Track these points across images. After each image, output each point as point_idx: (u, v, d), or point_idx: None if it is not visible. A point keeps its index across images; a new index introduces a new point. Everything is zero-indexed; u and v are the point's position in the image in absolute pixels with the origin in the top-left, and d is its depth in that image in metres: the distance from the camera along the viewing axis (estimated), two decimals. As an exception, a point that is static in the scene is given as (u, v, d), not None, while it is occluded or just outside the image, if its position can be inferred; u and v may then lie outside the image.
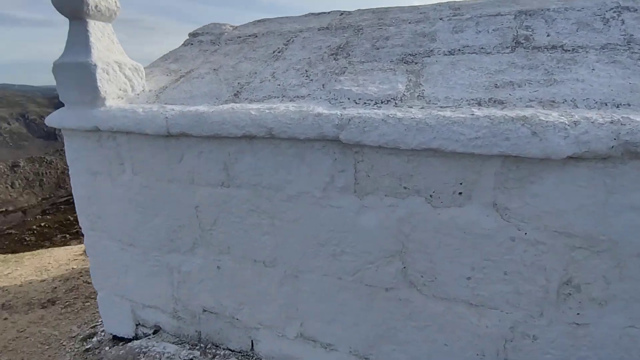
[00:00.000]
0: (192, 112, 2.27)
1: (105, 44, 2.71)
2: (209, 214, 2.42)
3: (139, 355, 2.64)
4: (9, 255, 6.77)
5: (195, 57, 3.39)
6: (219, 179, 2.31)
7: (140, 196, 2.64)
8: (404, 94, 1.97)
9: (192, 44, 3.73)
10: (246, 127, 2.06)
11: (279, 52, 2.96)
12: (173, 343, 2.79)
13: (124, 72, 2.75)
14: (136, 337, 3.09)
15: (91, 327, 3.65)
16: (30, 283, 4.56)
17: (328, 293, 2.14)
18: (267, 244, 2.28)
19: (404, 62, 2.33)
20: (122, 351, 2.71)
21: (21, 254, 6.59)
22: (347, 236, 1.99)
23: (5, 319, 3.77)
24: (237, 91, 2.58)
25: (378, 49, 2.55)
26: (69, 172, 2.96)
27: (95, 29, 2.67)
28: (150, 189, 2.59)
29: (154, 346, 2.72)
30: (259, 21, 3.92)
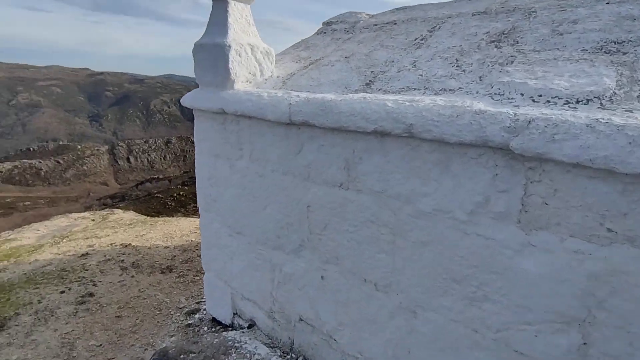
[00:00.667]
0: (317, 99, 1.96)
1: (241, 25, 2.60)
2: (320, 216, 2.10)
3: (230, 349, 2.49)
4: (148, 217, 7.62)
5: (326, 45, 3.11)
6: (338, 178, 1.96)
7: (254, 185, 2.47)
8: (615, 92, 1.33)
9: (324, 32, 3.48)
10: (379, 120, 1.66)
11: (421, 40, 2.48)
12: (265, 344, 2.57)
13: (255, 55, 2.60)
14: (232, 326, 2.98)
15: (196, 302, 3.71)
16: (156, 247, 4.94)
17: (455, 345, 1.62)
18: (383, 265, 1.86)
19: (605, 52, 1.65)
20: (216, 340, 2.60)
21: (156, 218, 7.35)
22: (497, 279, 1.45)
23: (132, 276, 4.09)
24: (370, 80, 2.19)
25: (562, 34, 1.89)
26: (195, 152, 2.96)
27: (235, 9, 2.56)
28: (264, 178, 2.38)
29: (246, 343, 2.54)
30: (398, 9, 3.48)
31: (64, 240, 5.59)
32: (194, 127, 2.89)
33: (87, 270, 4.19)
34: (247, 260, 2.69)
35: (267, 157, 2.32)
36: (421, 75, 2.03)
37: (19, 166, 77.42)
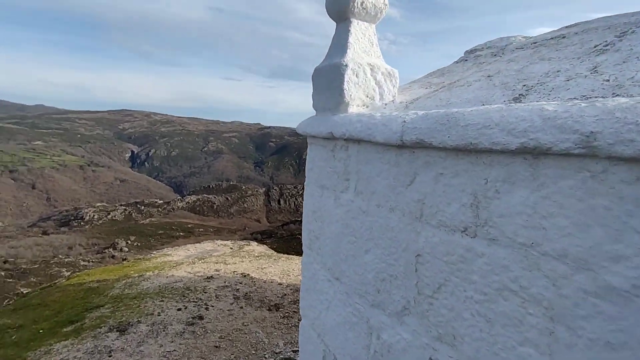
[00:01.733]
0: (438, 113, 1.45)
1: (363, 45, 2.31)
2: (433, 271, 1.50)
3: None
4: (274, 252, 7.80)
5: (466, 69, 2.58)
6: (461, 220, 1.36)
7: (357, 222, 2.02)
8: None
9: (466, 60, 2.95)
10: (530, 131, 1.05)
11: (605, 46, 1.75)
12: None
13: (375, 77, 2.26)
14: (320, 392, 2.45)
15: (293, 350, 3.31)
16: (271, 282, 4.83)
17: None
18: (529, 366, 1.13)
19: None
20: (295, 406, 2.11)
21: (280, 254, 7.44)
22: None
23: (241, 307, 3.99)
24: (520, 94, 1.57)
25: None
26: (305, 182, 2.71)
27: (357, 29, 2.30)
28: (368, 215, 1.91)
29: (328, 421, 1.98)
30: (567, 26, 2.72)
31: (200, 262, 6.01)
32: (307, 156, 2.66)
33: (205, 292, 4.26)
34: (342, 315, 2.19)
35: (373, 188, 1.86)
36: (607, 81, 1.33)
37: (200, 199, 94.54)
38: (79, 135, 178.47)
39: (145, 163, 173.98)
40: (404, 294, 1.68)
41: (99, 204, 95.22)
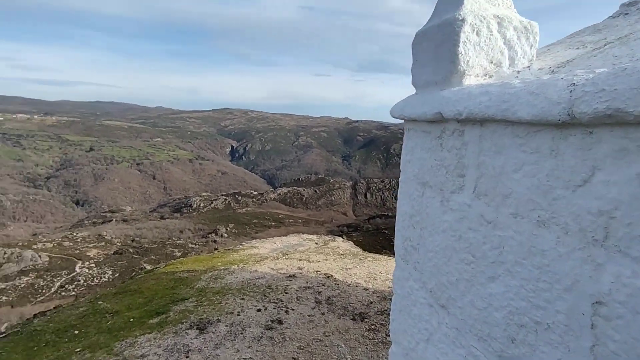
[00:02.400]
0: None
1: (487, -8, 1.68)
2: (629, 335, 0.87)
3: None
4: (361, 251, 7.34)
5: (633, 23, 1.78)
6: None
7: (476, 236, 1.43)
8: None
9: (626, 13, 2.10)
10: None
11: None
12: None
13: (504, 33, 1.62)
14: None
15: (381, 375, 2.82)
16: (356, 286, 4.39)
17: None
18: None
19: None
20: None
21: (367, 253, 6.96)
22: None
23: (323, 314, 3.62)
24: None
25: None
26: (399, 178, 2.18)
27: (478, -29, 1.68)
28: (497, 228, 1.32)
29: None
30: None
31: (284, 257, 5.84)
32: (403, 146, 2.12)
33: (286, 293, 4.01)
34: (451, 356, 1.63)
35: (506, 190, 1.26)
36: None
37: (291, 191, 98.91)
38: (189, 132, 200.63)
39: (243, 157, 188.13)
40: (560, 355, 1.07)
41: (204, 194, 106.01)
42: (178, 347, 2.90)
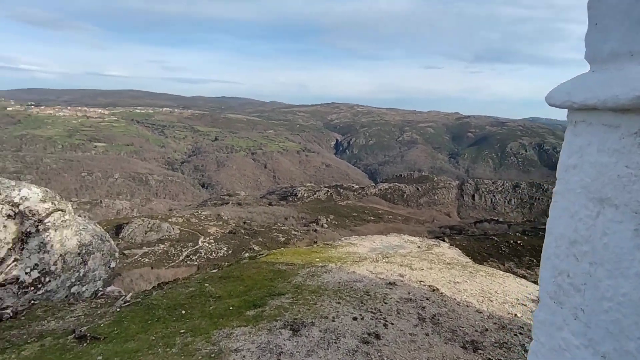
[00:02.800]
0: None
1: None
2: None
3: None
4: (471, 262, 6.51)
5: None
6: None
7: None
8: None
9: None
10: None
11: None
12: None
13: None
14: None
15: None
16: (467, 306, 3.78)
17: None
18: None
19: None
20: None
21: (479, 266, 6.14)
22: None
23: (427, 335, 3.15)
24: None
25: None
26: (554, 189, 1.62)
27: None
28: None
29: None
30: None
31: (384, 260, 5.46)
32: (563, 145, 1.56)
33: (386, 303, 3.64)
34: None
35: None
36: None
37: (392, 187, 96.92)
38: (297, 125, 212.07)
39: (347, 150, 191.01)
40: None
41: (308, 184, 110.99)
42: (270, 346, 2.78)
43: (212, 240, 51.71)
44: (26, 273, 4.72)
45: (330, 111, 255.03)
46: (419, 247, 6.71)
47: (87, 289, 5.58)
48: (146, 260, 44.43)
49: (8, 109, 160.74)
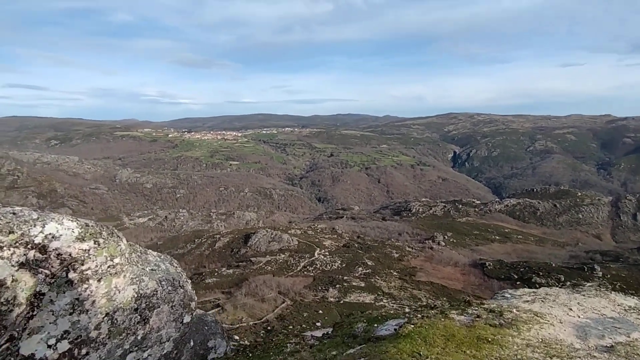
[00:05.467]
0: None
1: None
2: None
3: None
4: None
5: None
6: None
7: None
8: None
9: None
10: None
11: None
12: None
13: None
14: None
15: None
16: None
17: None
18: None
19: None
20: None
21: None
22: None
23: None
24: None
25: None
26: None
27: None
28: None
29: None
30: None
31: (615, 354, 3.20)
32: None
33: None
34: None
35: None
36: None
37: (521, 203, 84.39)
38: (412, 139, 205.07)
39: (466, 163, 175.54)
40: None
41: (423, 199, 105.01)
42: None
43: (327, 253, 52.19)
44: (49, 346, 3.42)
45: (447, 122, 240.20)
46: None
47: (150, 355, 4.35)
48: (269, 268, 47.10)
49: (169, 135, 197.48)
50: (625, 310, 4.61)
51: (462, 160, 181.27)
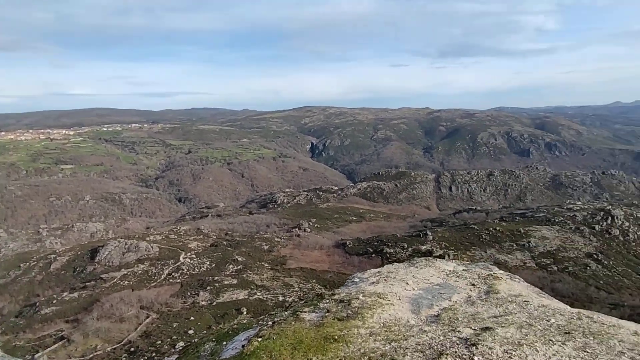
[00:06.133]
0: None
1: None
2: None
3: None
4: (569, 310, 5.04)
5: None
6: None
7: None
8: None
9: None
10: None
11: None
12: None
13: None
14: None
15: None
16: None
17: None
18: None
19: None
20: None
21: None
22: None
23: None
24: None
25: None
26: None
27: None
28: None
29: None
30: None
31: (445, 325, 3.74)
32: None
33: None
34: None
35: None
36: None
37: (371, 186, 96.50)
38: (272, 132, 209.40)
39: (323, 153, 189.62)
40: None
41: (287, 190, 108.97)
42: None
43: (193, 255, 49.29)
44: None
45: (304, 115, 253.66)
46: (472, 284, 5.00)
47: None
48: (126, 282, 41.74)
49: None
50: (447, 275, 5.61)
51: (320, 150, 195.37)
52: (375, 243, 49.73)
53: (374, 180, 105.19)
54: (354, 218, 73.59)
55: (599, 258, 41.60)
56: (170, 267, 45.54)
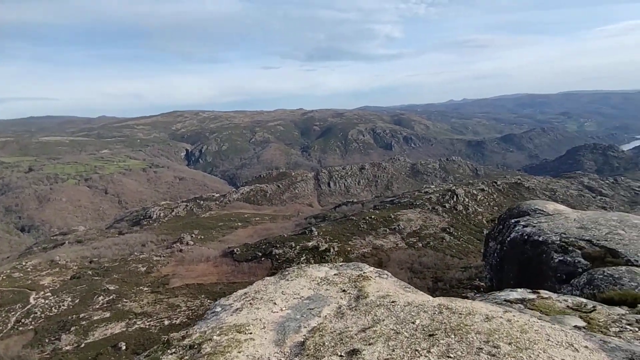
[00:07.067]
0: None
1: None
2: None
3: None
4: (419, 297, 5.48)
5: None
6: None
7: None
8: None
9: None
10: None
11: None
12: None
13: None
14: None
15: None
16: None
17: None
18: None
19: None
20: None
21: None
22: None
23: None
24: None
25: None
26: None
27: None
28: None
29: None
30: None
31: (305, 355, 3.64)
32: None
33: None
34: None
35: None
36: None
37: (254, 189, 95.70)
38: (138, 140, 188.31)
39: (199, 159, 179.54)
40: None
41: (163, 202, 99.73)
42: None
43: (48, 294, 41.18)
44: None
45: (174, 120, 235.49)
46: (343, 290, 4.97)
47: None
48: (-44, 343, 32.25)
49: None
50: (318, 284, 5.23)
51: (196, 157, 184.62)
52: (264, 246, 49.63)
53: (256, 183, 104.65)
54: (240, 224, 71.99)
55: (451, 231, 50.11)
56: (19, 313, 37.16)
